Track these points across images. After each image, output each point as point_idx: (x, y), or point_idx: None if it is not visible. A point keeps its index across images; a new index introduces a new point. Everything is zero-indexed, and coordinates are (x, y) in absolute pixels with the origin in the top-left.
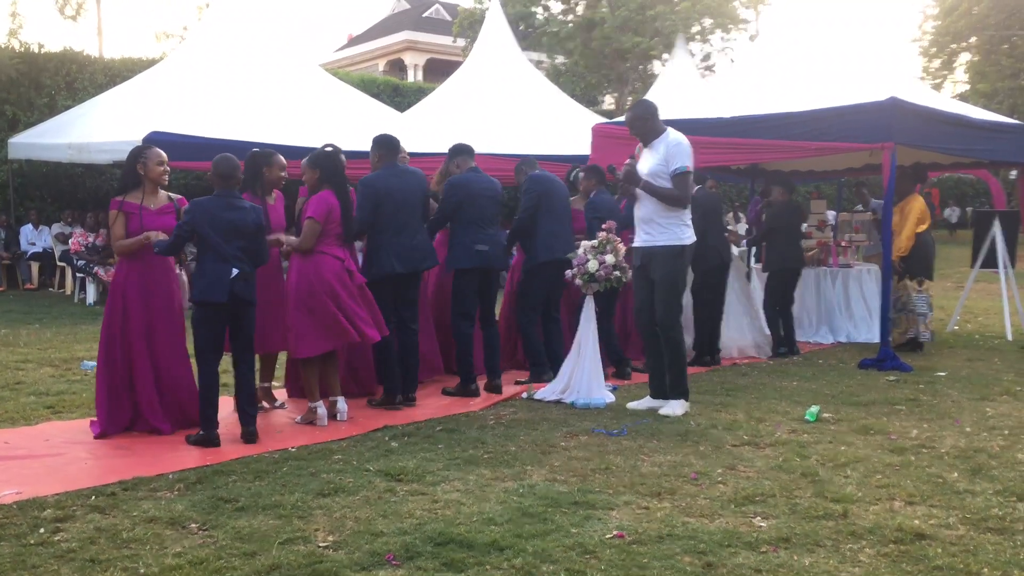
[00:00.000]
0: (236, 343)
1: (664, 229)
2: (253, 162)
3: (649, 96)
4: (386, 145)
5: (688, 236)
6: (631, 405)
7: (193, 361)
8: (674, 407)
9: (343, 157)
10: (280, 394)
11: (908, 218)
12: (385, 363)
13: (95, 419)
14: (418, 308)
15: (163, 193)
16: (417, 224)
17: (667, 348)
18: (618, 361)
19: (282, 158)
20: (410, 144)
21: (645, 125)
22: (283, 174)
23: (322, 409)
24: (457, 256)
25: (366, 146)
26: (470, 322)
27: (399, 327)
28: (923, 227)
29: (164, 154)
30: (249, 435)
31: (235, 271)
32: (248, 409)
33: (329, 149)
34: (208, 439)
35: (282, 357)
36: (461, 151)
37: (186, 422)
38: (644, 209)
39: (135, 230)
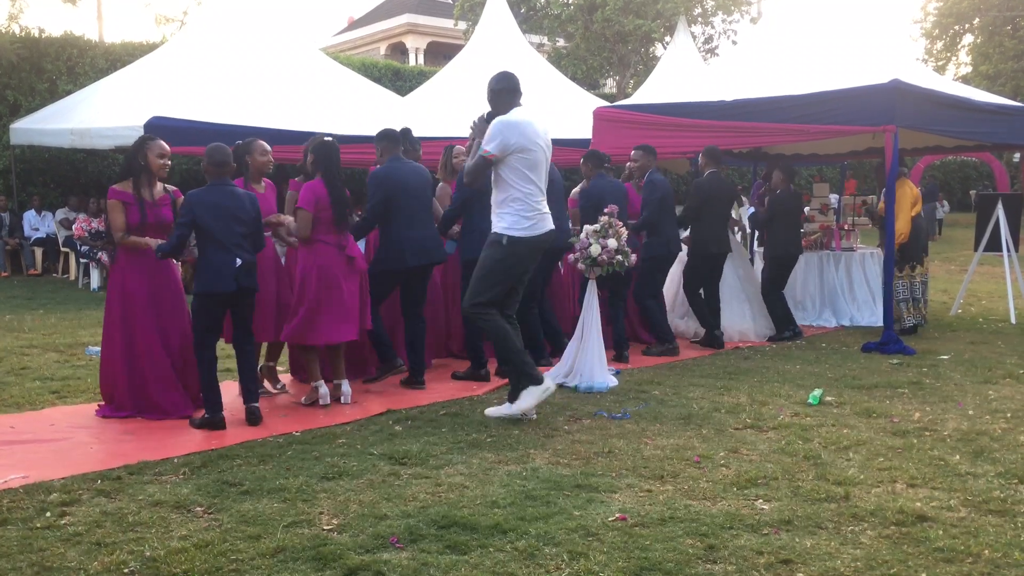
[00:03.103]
0: (237, 331)
1: (497, 218)
2: (236, 153)
3: (651, 79)
4: (388, 138)
5: (514, 229)
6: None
7: None
8: (498, 409)
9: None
10: (284, 377)
11: (901, 203)
12: (412, 347)
13: (100, 405)
14: (426, 297)
15: (160, 185)
16: (427, 216)
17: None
18: (618, 344)
19: (263, 143)
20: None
21: (488, 96)
22: (268, 158)
23: (324, 388)
24: (470, 244)
25: (367, 131)
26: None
27: (407, 316)
28: (915, 210)
29: (167, 147)
30: (253, 412)
31: (239, 260)
32: (251, 387)
33: (328, 139)
34: (213, 422)
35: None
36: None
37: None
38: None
39: (135, 221)
